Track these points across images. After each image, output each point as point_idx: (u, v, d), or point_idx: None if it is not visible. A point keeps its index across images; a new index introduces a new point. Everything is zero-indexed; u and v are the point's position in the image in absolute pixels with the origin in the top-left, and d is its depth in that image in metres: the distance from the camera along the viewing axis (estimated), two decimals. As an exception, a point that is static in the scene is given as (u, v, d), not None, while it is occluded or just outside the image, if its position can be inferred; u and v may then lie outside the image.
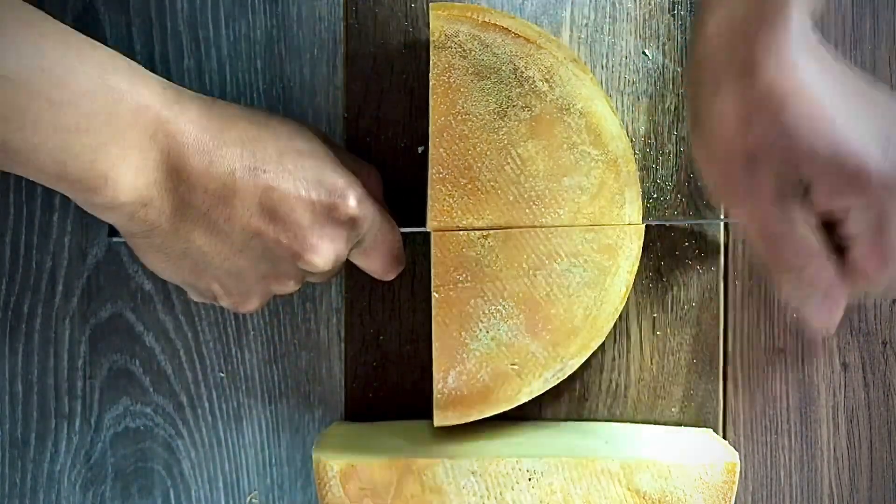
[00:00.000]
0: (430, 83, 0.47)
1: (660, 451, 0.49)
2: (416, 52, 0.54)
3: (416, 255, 0.54)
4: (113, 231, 0.49)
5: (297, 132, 0.46)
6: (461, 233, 0.48)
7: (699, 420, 0.54)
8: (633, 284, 0.54)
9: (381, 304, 0.55)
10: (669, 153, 0.54)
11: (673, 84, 0.54)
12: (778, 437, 0.55)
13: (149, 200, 0.41)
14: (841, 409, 0.55)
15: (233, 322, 0.55)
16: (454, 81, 0.47)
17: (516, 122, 0.47)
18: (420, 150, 0.54)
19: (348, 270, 0.54)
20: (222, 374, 0.55)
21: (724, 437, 0.55)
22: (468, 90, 0.47)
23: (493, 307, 0.48)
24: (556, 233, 0.48)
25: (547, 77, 0.47)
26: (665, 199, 0.54)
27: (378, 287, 0.55)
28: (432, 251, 0.48)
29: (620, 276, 0.48)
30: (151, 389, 0.55)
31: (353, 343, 0.55)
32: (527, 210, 0.47)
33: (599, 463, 0.48)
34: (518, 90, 0.47)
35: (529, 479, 0.48)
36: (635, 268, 0.48)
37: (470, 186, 0.47)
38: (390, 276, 0.51)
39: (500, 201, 0.47)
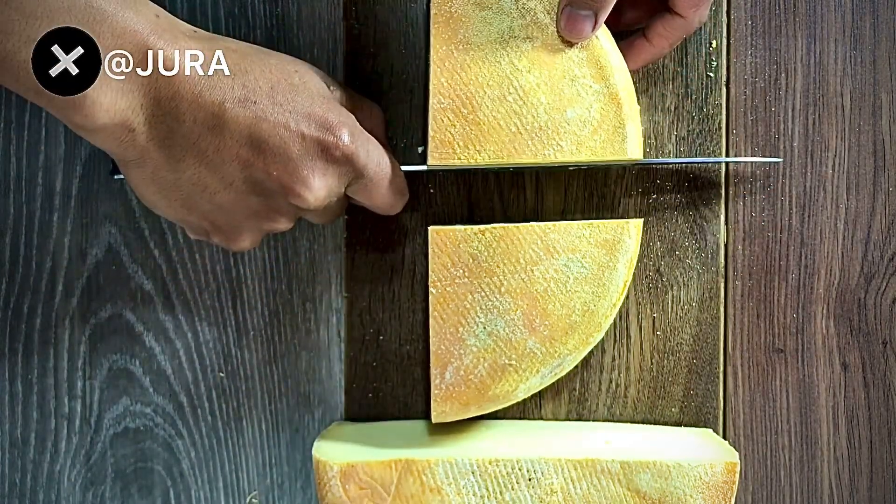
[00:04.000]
0: (431, 12, 0.47)
1: (660, 451, 0.49)
2: (416, 53, 0.54)
3: (415, 256, 0.54)
4: (115, 169, 0.49)
5: (292, 68, 0.45)
6: (458, 228, 0.48)
7: (699, 420, 0.54)
8: (633, 284, 0.54)
9: (381, 304, 0.55)
10: (669, 153, 0.54)
11: (673, 84, 0.54)
12: (778, 437, 0.55)
13: (134, 125, 0.41)
14: (841, 409, 0.55)
15: (233, 322, 0.55)
16: (455, 11, 0.47)
17: (518, 54, 0.47)
18: (420, 150, 0.54)
19: (348, 270, 0.54)
20: (222, 374, 0.55)
21: (724, 437, 0.55)
22: (469, 20, 0.47)
23: (491, 302, 0.47)
24: (553, 227, 0.48)
25: (548, 9, 0.46)
26: (665, 199, 0.54)
27: (378, 287, 0.55)
28: (429, 246, 0.48)
29: (618, 270, 0.48)
30: (151, 389, 0.55)
31: (353, 343, 0.55)
32: (528, 143, 0.47)
33: (599, 463, 0.48)
34: (520, 21, 0.47)
35: (529, 479, 0.48)
36: (633, 262, 0.48)
37: (471, 117, 0.47)
38: (395, 211, 0.50)
39: (502, 133, 0.47)
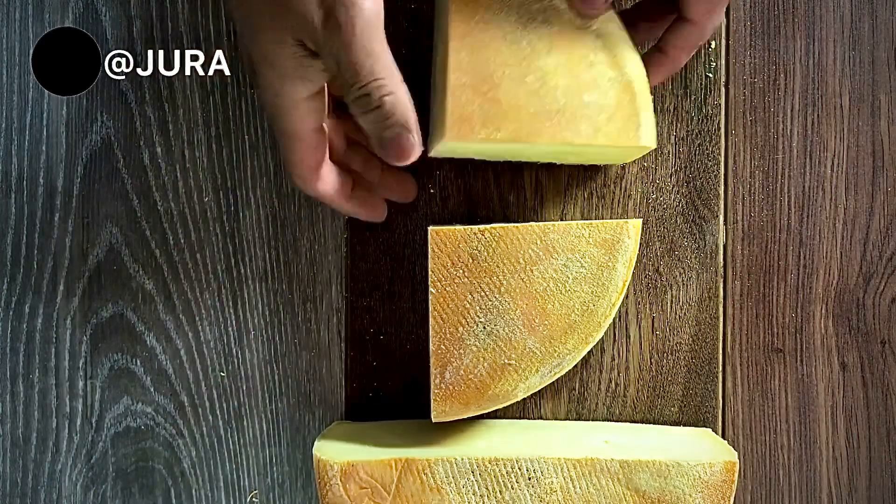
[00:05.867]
0: None
1: (659, 451, 0.49)
2: (417, 53, 0.54)
3: (415, 256, 0.54)
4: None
5: None
6: (458, 228, 0.48)
7: (699, 420, 0.55)
8: (633, 284, 0.54)
9: (381, 304, 0.55)
10: (669, 153, 0.54)
11: (672, 84, 0.54)
12: (777, 437, 0.55)
13: None
14: (840, 408, 0.55)
15: (233, 322, 0.55)
16: None
17: (537, 36, 0.46)
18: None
19: (348, 270, 0.55)
20: (223, 374, 0.55)
21: (724, 437, 0.55)
22: (488, 1, 0.46)
23: (490, 302, 0.48)
24: (553, 227, 0.48)
25: None
26: (665, 199, 0.54)
27: (378, 287, 0.55)
28: (429, 246, 0.48)
29: (618, 270, 0.48)
30: (152, 389, 0.55)
31: (353, 343, 0.55)
32: (547, 124, 0.46)
33: (599, 462, 0.48)
34: (537, 5, 0.46)
35: (529, 479, 0.48)
36: (633, 262, 0.48)
37: (491, 95, 0.45)
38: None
39: (521, 112, 0.45)
